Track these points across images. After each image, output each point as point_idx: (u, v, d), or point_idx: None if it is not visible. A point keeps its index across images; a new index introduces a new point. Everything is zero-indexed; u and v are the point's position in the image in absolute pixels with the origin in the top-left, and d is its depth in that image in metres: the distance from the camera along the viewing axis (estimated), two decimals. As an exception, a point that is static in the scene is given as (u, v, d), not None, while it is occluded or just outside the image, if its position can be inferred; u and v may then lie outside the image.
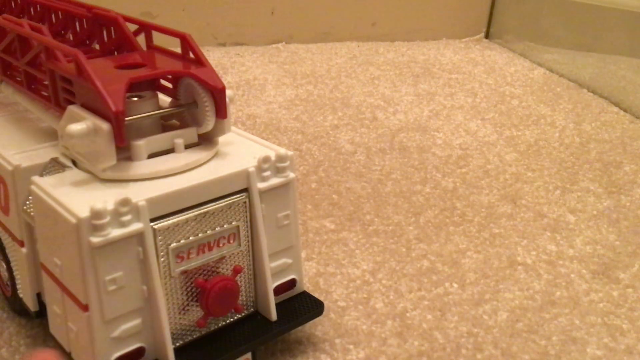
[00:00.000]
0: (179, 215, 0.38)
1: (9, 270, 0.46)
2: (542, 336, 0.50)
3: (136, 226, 0.36)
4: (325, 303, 0.52)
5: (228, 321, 0.43)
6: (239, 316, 0.43)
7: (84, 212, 0.35)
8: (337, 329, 0.49)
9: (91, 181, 0.39)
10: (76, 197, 0.37)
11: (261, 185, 0.42)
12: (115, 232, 0.35)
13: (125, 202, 0.35)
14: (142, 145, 0.40)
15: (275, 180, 0.42)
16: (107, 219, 0.35)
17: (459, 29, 1.49)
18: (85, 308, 0.36)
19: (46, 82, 0.43)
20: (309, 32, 1.38)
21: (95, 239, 0.35)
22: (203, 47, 1.31)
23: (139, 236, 0.36)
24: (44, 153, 0.42)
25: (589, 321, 0.52)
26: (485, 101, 1.04)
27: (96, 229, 0.35)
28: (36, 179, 0.39)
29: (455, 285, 0.55)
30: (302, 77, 1.12)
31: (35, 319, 0.46)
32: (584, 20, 1.23)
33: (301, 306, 0.45)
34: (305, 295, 0.47)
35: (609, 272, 0.59)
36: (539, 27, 1.35)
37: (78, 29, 0.52)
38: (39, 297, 0.44)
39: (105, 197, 0.36)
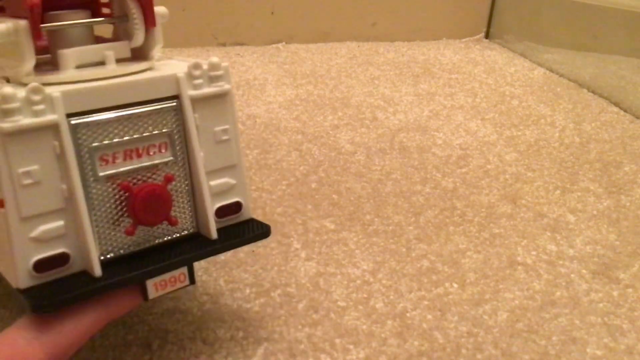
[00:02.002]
0: (100, 114, 0.38)
1: None
2: (542, 336, 0.50)
3: (50, 117, 0.35)
4: (325, 303, 0.52)
5: (166, 239, 0.41)
6: (178, 235, 0.42)
7: None
8: (337, 329, 0.49)
9: (14, 85, 0.38)
10: None
11: (192, 92, 0.41)
12: (27, 120, 0.35)
13: (36, 89, 0.35)
14: (67, 53, 0.39)
15: (208, 90, 0.42)
16: (16, 104, 0.34)
17: (459, 29, 1.49)
18: (0, 204, 0.35)
19: None
20: (309, 32, 1.38)
21: (4, 125, 0.34)
22: (203, 47, 1.31)
23: (54, 128, 0.36)
24: None
25: (589, 321, 0.52)
26: (485, 101, 1.04)
27: (5, 114, 0.34)
28: None
29: (455, 285, 0.55)
30: (302, 77, 1.12)
31: None
32: (584, 20, 1.23)
33: (246, 229, 0.44)
34: (252, 221, 0.45)
35: (609, 272, 0.59)
36: (539, 27, 1.35)
37: None
38: None
39: (15, 91, 0.35)
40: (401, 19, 1.43)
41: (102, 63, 0.40)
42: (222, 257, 0.57)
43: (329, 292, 0.54)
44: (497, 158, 0.82)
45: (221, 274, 0.55)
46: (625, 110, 1.02)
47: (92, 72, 0.39)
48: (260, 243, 0.59)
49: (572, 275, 0.58)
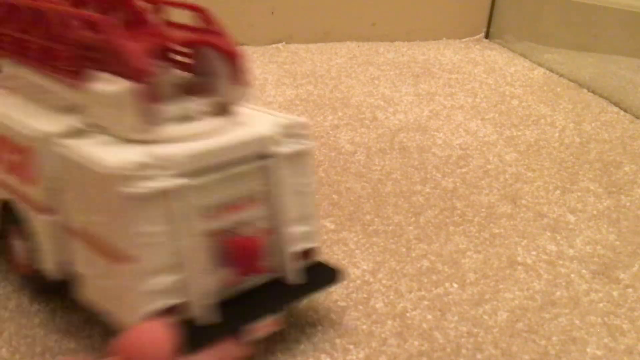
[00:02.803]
0: (206, 175, 0.40)
1: (29, 244, 0.47)
2: (542, 336, 0.50)
3: (170, 182, 0.38)
4: (325, 303, 0.52)
5: (255, 284, 0.44)
6: (265, 281, 0.45)
7: (122, 165, 0.37)
8: (337, 329, 0.49)
9: (119, 142, 0.41)
10: (110, 154, 0.38)
11: (282, 150, 0.44)
12: (151, 185, 0.37)
13: (160, 157, 0.38)
14: (166, 110, 0.41)
15: (295, 147, 0.45)
16: (145, 172, 0.37)
17: (459, 29, 1.49)
18: (123, 261, 0.38)
19: (63, 54, 0.44)
20: (309, 32, 1.38)
21: (133, 190, 0.37)
22: (203, 47, 1.31)
23: (173, 192, 0.38)
24: (66, 122, 0.43)
25: (589, 321, 0.52)
26: (485, 101, 1.04)
27: (134, 180, 0.37)
28: (67, 141, 0.41)
29: (455, 285, 0.55)
30: (302, 77, 1.12)
31: (57, 292, 0.47)
32: (584, 20, 1.23)
33: (321, 273, 0.47)
34: (323, 264, 0.48)
35: (609, 272, 0.59)
36: (539, 27, 1.35)
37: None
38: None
39: (137, 155, 0.38)
40: (401, 19, 1.43)
41: (189, 115, 0.43)
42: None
43: (329, 292, 0.54)
44: (497, 158, 0.82)
45: (221, 274, 0.55)
46: (625, 110, 1.02)
47: (189, 130, 0.41)
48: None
49: (572, 275, 0.58)
